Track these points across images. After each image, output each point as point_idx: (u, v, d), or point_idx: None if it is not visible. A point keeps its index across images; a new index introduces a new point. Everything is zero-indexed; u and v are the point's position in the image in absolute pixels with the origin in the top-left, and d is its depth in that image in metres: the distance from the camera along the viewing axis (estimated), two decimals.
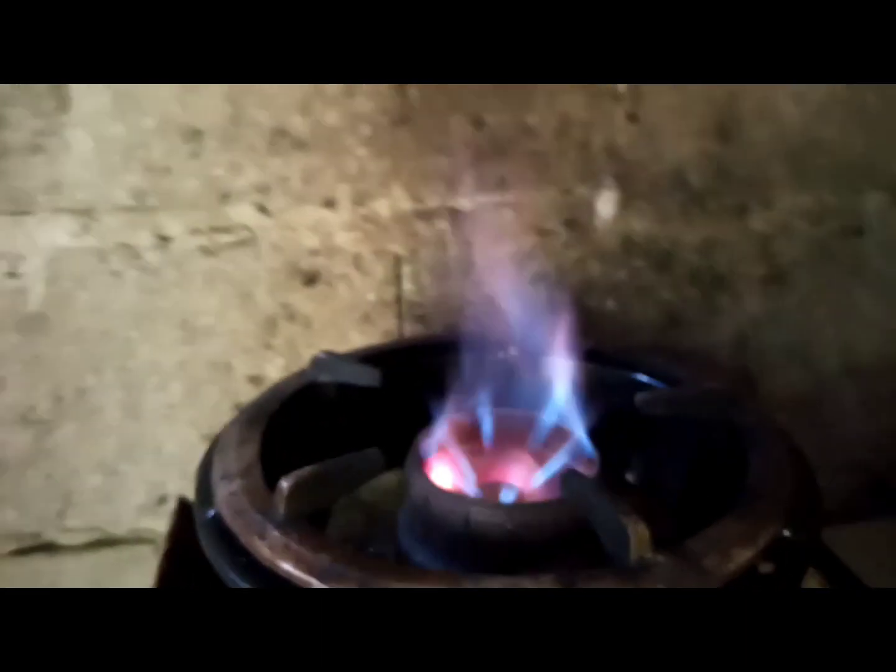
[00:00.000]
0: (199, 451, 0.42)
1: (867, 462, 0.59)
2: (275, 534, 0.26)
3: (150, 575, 0.54)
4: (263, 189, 0.48)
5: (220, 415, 0.51)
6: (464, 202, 0.50)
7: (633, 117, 0.50)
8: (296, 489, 0.27)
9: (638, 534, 0.24)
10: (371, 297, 0.51)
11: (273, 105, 0.46)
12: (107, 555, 0.54)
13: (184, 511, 0.45)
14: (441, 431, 0.34)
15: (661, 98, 0.50)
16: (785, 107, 0.51)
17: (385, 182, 0.49)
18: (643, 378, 0.37)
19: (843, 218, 0.54)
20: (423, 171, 0.49)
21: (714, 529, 0.25)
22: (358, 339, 0.51)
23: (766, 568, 0.25)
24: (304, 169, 0.48)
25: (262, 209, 0.48)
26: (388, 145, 0.48)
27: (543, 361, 0.37)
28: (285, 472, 0.28)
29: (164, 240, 0.48)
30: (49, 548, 0.53)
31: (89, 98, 0.44)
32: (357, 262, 0.50)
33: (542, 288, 0.52)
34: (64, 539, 0.53)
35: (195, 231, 0.48)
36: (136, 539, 0.54)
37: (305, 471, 0.27)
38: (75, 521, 0.53)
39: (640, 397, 0.35)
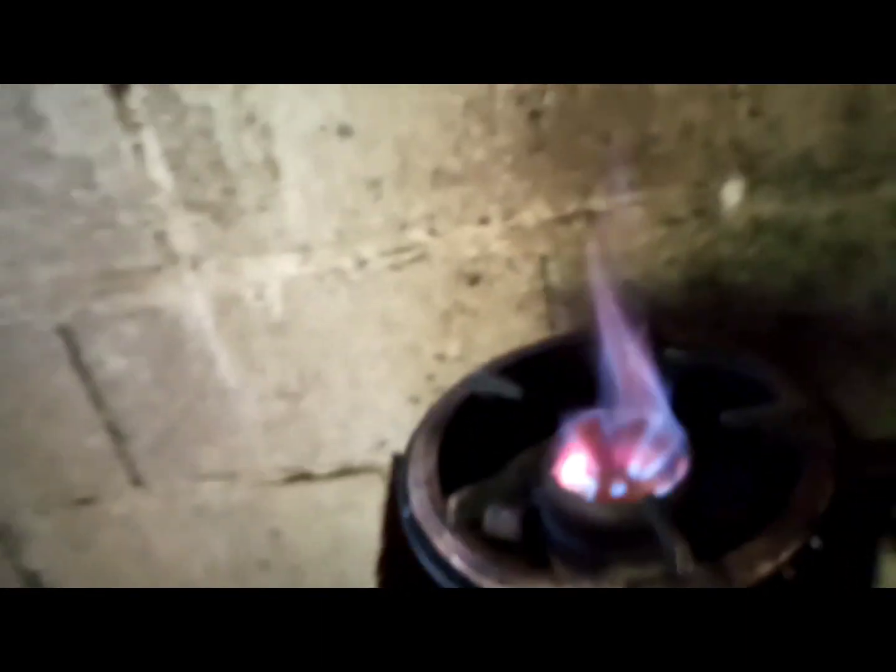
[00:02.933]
0: (405, 408, 0.64)
1: None
2: (447, 535, 0.40)
3: (379, 493, 0.73)
4: (430, 217, 0.59)
5: (418, 382, 0.66)
6: (598, 204, 0.58)
7: (755, 112, 0.53)
8: (460, 504, 0.40)
9: (681, 552, 0.35)
10: (524, 289, 0.61)
11: (431, 151, 0.56)
12: (348, 480, 0.73)
13: (397, 463, 0.60)
14: (567, 435, 0.46)
15: (784, 90, 0.52)
16: None
17: (528, 198, 0.58)
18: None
19: None
20: (561, 185, 0.57)
21: (747, 545, 0.35)
22: (515, 322, 0.63)
23: (788, 574, 0.35)
24: (461, 197, 0.58)
25: (432, 231, 0.60)
26: (528, 169, 0.56)
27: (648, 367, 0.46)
28: (458, 472, 0.42)
29: (362, 262, 0.61)
30: (307, 476, 0.74)
31: (294, 166, 0.58)
32: (510, 263, 0.60)
33: (674, 270, 0.59)
34: (317, 470, 0.73)
35: (384, 253, 0.61)
36: (367, 469, 0.72)
37: (466, 490, 0.41)
38: (324, 458, 0.72)
39: (725, 417, 0.43)
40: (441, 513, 0.41)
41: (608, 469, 0.45)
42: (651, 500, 0.39)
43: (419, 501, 0.43)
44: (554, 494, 0.43)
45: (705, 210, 0.57)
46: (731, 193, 0.56)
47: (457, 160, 0.57)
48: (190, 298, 0.64)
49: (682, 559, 0.35)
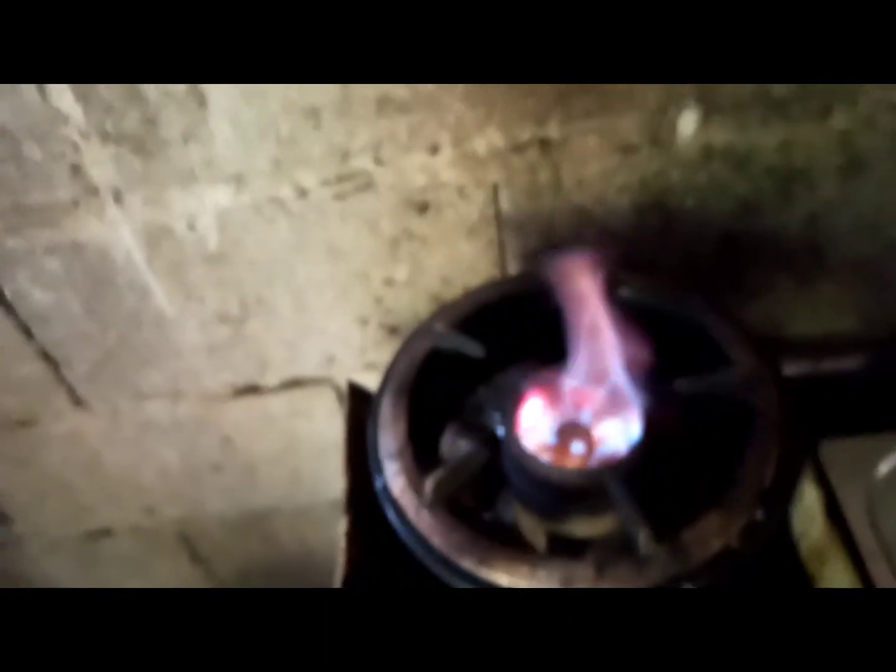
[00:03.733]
0: (354, 330, 0.66)
1: None
2: (424, 513, 0.42)
3: (329, 401, 0.74)
4: (376, 146, 0.55)
5: (366, 306, 0.66)
6: (552, 132, 0.55)
7: None
8: (436, 486, 0.42)
9: (645, 535, 0.38)
10: (474, 216, 0.60)
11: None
12: (297, 392, 0.74)
13: (354, 392, 0.61)
14: (526, 390, 0.47)
15: None
16: None
17: (480, 126, 0.54)
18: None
19: None
20: (515, 113, 0.54)
21: (700, 522, 0.39)
22: (465, 248, 0.61)
23: (736, 545, 0.39)
24: (409, 125, 0.54)
25: (378, 160, 0.56)
26: (481, 98, 0.53)
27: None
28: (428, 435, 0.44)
29: (302, 192, 0.58)
30: (255, 390, 0.74)
31: (222, 94, 0.52)
32: (461, 191, 0.58)
33: (624, 196, 0.59)
34: (266, 384, 0.73)
35: (326, 182, 0.57)
36: (317, 381, 0.73)
37: (440, 472, 0.43)
38: (271, 376, 0.72)
39: (679, 384, 0.45)
40: (418, 490, 0.43)
41: (567, 426, 0.48)
42: (609, 466, 0.42)
43: (393, 475, 0.45)
44: (516, 452, 0.45)
45: (660, 139, 0.55)
46: (687, 123, 0.55)
47: (404, 88, 0.52)
48: (116, 232, 0.59)
49: (645, 541, 0.38)
